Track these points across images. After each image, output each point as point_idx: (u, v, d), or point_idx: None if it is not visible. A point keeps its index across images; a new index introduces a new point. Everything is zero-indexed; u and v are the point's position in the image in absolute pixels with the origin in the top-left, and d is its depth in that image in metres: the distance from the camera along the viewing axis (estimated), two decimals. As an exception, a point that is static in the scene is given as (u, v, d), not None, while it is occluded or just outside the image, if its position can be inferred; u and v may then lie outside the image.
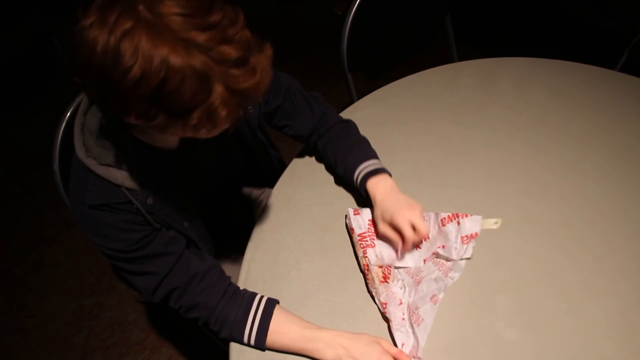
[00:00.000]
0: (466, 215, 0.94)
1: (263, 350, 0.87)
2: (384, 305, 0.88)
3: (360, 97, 1.36)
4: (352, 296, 0.93)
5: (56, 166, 1.04)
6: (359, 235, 0.97)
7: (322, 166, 1.16)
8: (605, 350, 0.82)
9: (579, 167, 1.11)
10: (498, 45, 2.81)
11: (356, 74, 1.56)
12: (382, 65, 2.41)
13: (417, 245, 0.96)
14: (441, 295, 0.89)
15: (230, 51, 0.59)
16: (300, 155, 1.20)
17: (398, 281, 0.92)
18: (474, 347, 0.84)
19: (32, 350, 1.87)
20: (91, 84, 0.60)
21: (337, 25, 1.47)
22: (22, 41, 2.58)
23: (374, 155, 1.06)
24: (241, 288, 0.93)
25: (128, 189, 0.78)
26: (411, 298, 0.88)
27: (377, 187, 0.99)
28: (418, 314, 0.85)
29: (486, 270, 0.95)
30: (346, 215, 1.04)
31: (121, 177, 0.77)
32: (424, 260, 0.96)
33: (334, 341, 0.83)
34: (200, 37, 0.57)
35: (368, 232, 0.98)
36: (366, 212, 0.99)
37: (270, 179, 1.23)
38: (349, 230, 1.01)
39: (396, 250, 0.94)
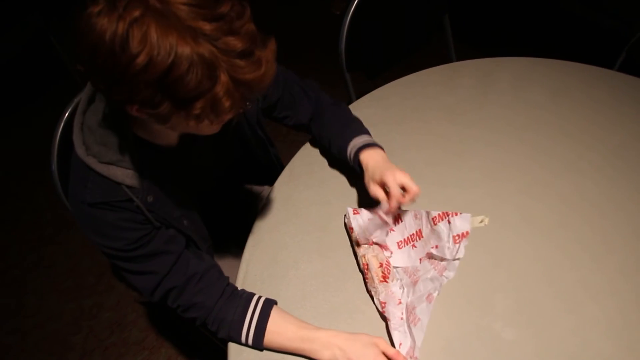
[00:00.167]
0: (456, 214, 0.92)
1: (261, 350, 0.87)
2: (383, 305, 0.87)
3: (358, 97, 1.36)
4: (351, 296, 0.93)
5: (55, 166, 1.04)
6: (358, 234, 0.97)
7: (320, 166, 1.16)
8: (604, 350, 0.82)
9: (578, 167, 1.11)
10: (496, 45, 2.81)
11: (354, 74, 1.56)
12: (381, 65, 2.41)
13: (412, 244, 0.96)
14: (436, 294, 0.89)
15: (236, 43, 0.60)
16: (299, 155, 1.20)
17: (397, 281, 0.92)
18: (472, 347, 0.84)
19: (31, 350, 1.87)
20: (97, 71, 0.60)
21: (335, 25, 1.47)
22: (21, 41, 2.58)
23: (366, 132, 1.08)
24: (239, 288, 0.93)
25: (128, 187, 0.78)
26: (409, 298, 0.88)
27: (370, 157, 1.01)
28: (415, 313, 0.85)
29: (484, 269, 0.95)
30: (345, 215, 1.04)
31: (121, 174, 0.77)
32: (420, 260, 0.95)
33: (331, 341, 0.83)
34: (207, 27, 0.58)
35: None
36: (365, 212, 1.00)
37: (269, 177, 1.24)
38: (348, 230, 1.01)
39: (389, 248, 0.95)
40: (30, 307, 2.00)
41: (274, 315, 0.86)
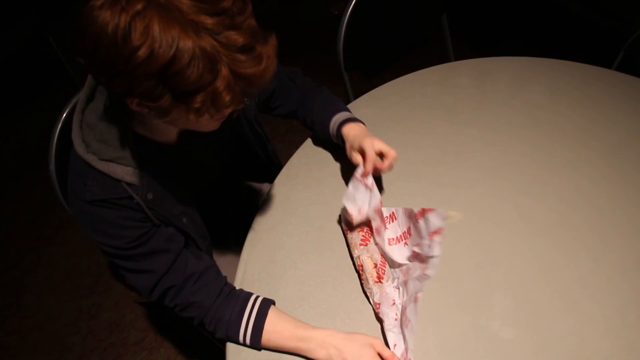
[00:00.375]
0: (431, 210, 0.88)
1: (259, 349, 0.87)
2: (378, 306, 0.87)
3: (356, 96, 1.36)
4: (349, 296, 0.93)
5: (53, 166, 1.04)
6: (351, 212, 0.96)
7: (318, 166, 1.16)
8: (602, 349, 0.82)
9: (576, 166, 1.11)
10: (494, 44, 2.81)
11: (353, 74, 1.57)
12: (379, 64, 2.41)
13: (405, 242, 0.95)
14: (420, 294, 0.87)
15: (237, 37, 0.60)
16: (297, 154, 1.20)
17: (393, 280, 0.92)
18: (470, 346, 0.84)
19: (30, 350, 1.87)
20: (98, 64, 0.60)
21: (334, 25, 1.47)
22: (19, 41, 2.58)
23: (346, 109, 1.13)
24: (237, 288, 0.93)
25: (128, 184, 0.78)
26: (404, 298, 0.88)
27: (351, 129, 1.06)
28: (406, 314, 0.84)
29: (483, 268, 0.95)
30: (340, 215, 1.04)
31: (121, 171, 0.77)
32: (410, 258, 0.94)
33: (326, 341, 0.82)
34: (209, 21, 0.58)
35: (362, 231, 0.98)
36: (349, 186, 0.98)
37: (269, 174, 1.25)
38: (344, 231, 1.01)
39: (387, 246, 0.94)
40: (29, 308, 2.00)
41: (272, 315, 0.86)
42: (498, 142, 1.18)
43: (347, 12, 1.43)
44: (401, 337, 0.84)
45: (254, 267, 0.99)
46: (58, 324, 1.94)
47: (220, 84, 0.61)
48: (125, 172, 0.77)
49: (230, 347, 0.88)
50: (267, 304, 0.88)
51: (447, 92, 1.32)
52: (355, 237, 0.97)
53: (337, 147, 1.19)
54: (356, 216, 0.96)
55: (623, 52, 1.58)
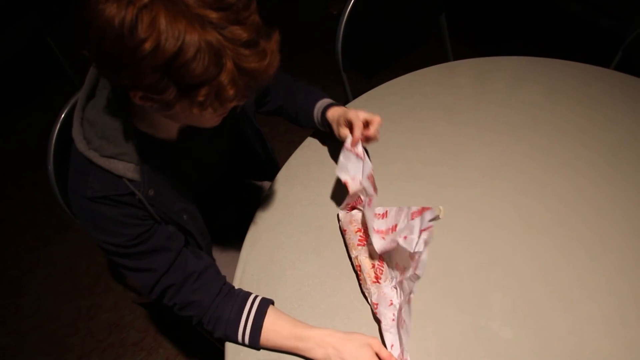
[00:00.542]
0: (429, 208, 0.85)
1: (258, 349, 0.86)
2: (375, 306, 0.87)
3: (355, 96, 1.36)
4: (348, 296, 0.93)
5: (51, 167, 1.04)
6: (354, 229, 0.96)
7: (317, 166, 1.16)
8: (602, 348, 0.82)
9: (575, 165, 1.11)
10: (493, 44, 2.81)
11: (351, 74, 1.56)
12: (378, 64, 2.41)
13: (382, 237, 0.93)
14: (412, 296, 0.87)
15: (242, 32, 0.61)
16: (296, 154, 1.20)
17: (391, 281, 0.91)
18: (470, 346, 0.84)
19: (29, 351, 1.86)
20: (104, 56, 0.60)
21: (332, 25, 1.47)
22: (18, 42, 2.57)
23: (326, 96, 1.17)
24: (236, 288, 0.93)
25: (130, 180, 0.78)
26: (401, 298, 0.88)
27: (334, 112, 1.11)
28: (401, 315, 0.84)
29: (481, 268, 0.95)
30: (338, 215, 1.04)
31: (123, 168, 0.77)
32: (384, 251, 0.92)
33: (324, 340, 0.82)
34: (214, 15, 0.59)
35: (360, 232, 0.98)
36: (340, 158, 0.99)
37: (269, 172, 1.25)
38: (342, 232, 1.01)
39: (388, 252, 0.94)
40: (28, 309, 2.00)
41: (270, 314, 0.86)
42: (497, 141, 1.18)
43: (345, 12, 1.43)
44: (398, 338, 0.83)
45: (253, 267, 0.99)
46: (57, 324, 1.93)
47: (224, 77, 0.61)
48: (127, 168, 0.78)
49: (229, 347, 0.88)
50: (266, 303, 0.88)
51: (446, 92, 1.32)
52: (353, 237, 0.97)
53: (336, 147, 1.19)
54: (351, 184, 0.97)
55: (621, 52, 1.58)
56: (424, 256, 0.82)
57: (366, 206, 0.95)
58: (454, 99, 1.30)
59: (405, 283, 0.87)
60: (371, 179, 0.95)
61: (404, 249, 0.87)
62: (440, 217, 0.82)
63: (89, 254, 2.14)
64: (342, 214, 1.01)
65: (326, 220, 1.05)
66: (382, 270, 0.92)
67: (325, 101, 1.14)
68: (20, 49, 2.54)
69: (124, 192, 0.78)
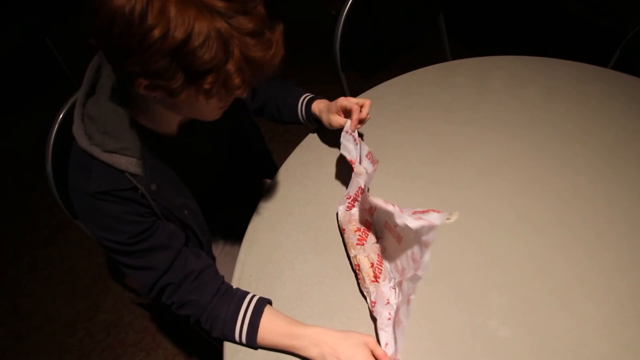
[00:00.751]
0: (438, 211, 0.83)
1: (255, 348, 0.86)
2: (373, 304, 0.87)
3: (353, 96, 1.35)
4: (346, 295, 0.93)
5: (49, 167, 1.04)
6: (353, 228, 0.97)
7: (315, 166, 1.16)
8: (600, 347, 0.83)
9: (573, 164, 1.11)
10: (491, 43, 2.81)
11: (350, 73, 1.57)
12: (376, 64, 2.41)
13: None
14: (413, 297, 0.87)
15: (248, 22, 0.62)
16: (294, 154, 1.20)
17: (390, 280, 0.91)
18: (468, 345, 0.84)
19: (28, 352, 1.86)
20: (112, 42, 0.61)
21: (331, 25, 1.47)
22: (16, 42, 2.57)
23: (306, 91, 1.22)
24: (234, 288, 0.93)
25: (132, 175, 0.79)
26: (399, 298, 0.88)
27: (319, 104, 1.16)
28: (398, 315, 0.84)
29: (479, 267, 0.95)
30: (337, 213, 1.04)
31: (125, 162, 0.77)
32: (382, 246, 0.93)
33: (319, 339, 0.82)
34: (221, 5, 0.60)
35: (359, 231, 0.98)
36: (342, 141, 1.04)
37: (268, 170, 1.27)
38: (341, 231, 1.01)
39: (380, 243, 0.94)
40: (27, 310, 2.00)
41: (267, 313, 0.86)
42: (495, 141, 1.18)
43: (343, 12, 1.43)
44: (393, 337, 0.83)
45: (251, 267, 0.99)
46: (56, 325, 1.93)
47: (231, 66, 0.63)
48: (129, 162, 0.78)
49: (228, 347, 0.88)
50: (263, 302, 0.88)
51: (444, 92, 1.32)
52: (352, 236, 0.97)
53: (334, 147, 1.19)
54: (356, 164, 1.02)
55: (619, 51, 1.58)
56: (426, 257, 0.82)
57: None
58: (452, 98, 1.30)
59: (405, 284, 0.87)
60: (369, 155, 1.02)
61: (403, 248, 0.87)
62: (450, 220, 0.80)
63: (88, 255, 2.14)
64: (341, 212, 1.01)
65: (325, 220, 1.06)
66: (381, 270, 0.92)
67: (308, 95, 1.20)
68: (18, 49, 2.54)
69: (126, 187, 0.78)
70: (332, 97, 1.17)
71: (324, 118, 1.13)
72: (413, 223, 0.82)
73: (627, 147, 1.14)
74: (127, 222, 0.80)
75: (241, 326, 0.85)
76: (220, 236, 1.29)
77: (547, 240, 0.98)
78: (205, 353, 1.79)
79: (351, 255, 0.96)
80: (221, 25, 0.60)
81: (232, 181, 1.26)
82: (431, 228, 0.79)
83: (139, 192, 0.80)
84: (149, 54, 0.59)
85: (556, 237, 0.98)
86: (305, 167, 1.17)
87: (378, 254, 0.96)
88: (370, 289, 0.89)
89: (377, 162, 1.04)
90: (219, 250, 1.26)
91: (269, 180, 1.17)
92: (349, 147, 1.03)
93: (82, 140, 0.76)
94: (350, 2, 1.41)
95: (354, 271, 0.95)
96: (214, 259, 1.13)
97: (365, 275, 0.91)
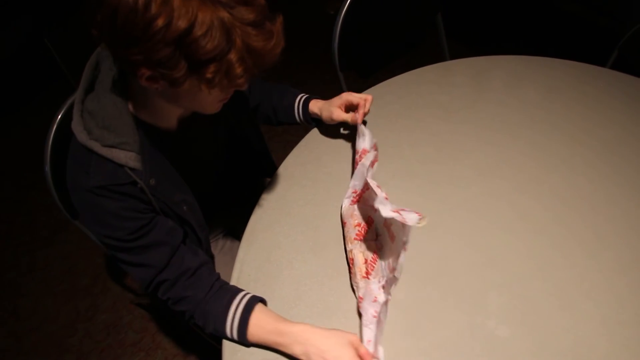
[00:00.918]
0: (420, 214, 0.79)
1: (247, 346, 0.86)
2: (360, 300, 0.87)
3: (352, 96, 1.36)
4: (345, 295, 0.93)
5: (48, 168, 1.03)
6: (354, 223, 0.97)
7: (314, 165, 1.16)
8: (599, 347, 0.82)
9: (572, 164, 1.11)
10: (490, 43, 2.81)
11: (348, 73, 1.57)
12: (374, 64, 2.41)
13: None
14: (389, 297, 0.87)
15: (249, 13, 0.64)
16: (293, 154, 1.20)
17: (381, 279, 0.91)
18: (466, 345, 0.84)
19: (27, 353, 1.86)
20: (116, 32, 0.61)
21: (329, 25, 1.47)
22: (15, 43, 2.57)
23: (301, 92, 1.24)
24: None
25: (131, 169, 0.79)
26: (386, 297, 0.87)
27: (317, 102, 1.19)
28: (379, 315, 0.84)
29: (478, 267, 0.95)
30: (342, 206, 1.04)
31: (124, 157, 0.78)
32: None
33: (304, 336, 0.81)
34: None
35: (358, 226, 0.98)
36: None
37: (267, 168, 1.27)
38: (342, 224, 1.01)
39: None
40: (26, 310, 1.99)
41: (258, 309, 0.85)
42: (494, 140, 1.18)
43: (341, 11, 1.43)
44: (375, 334, 0.83)
45: (250, 267, 0.99)
46: (55, 326, 1.93)
47: (234, 55, 0.64)
48: (128, 157, 0.78)
49: (227, 347, 0.88)
50: (255, 299, 0.87)
51: (442, 91, 1.32)
52: (351, 231, 0.97)
53: (333, 147, 1.19)
54: (368, 152, 1.07)
55: (617, 51, 1.58)
56: (401, 259, 0.83)
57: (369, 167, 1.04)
58: (451, 98, 1.30)
59: (386, 285, 0.87)
60: (374, 146, 1.08)
61: (395, 248, 0.87)
62: (420, 225, 0.78)
63: (87, 255, 2.14)
64: (345, 206, 1.01)
65: (323, 220, 1.05)
66: (374, 267, 0.92)
67: (304, 95, 1.22)
68: (17, 49, 2.54)
69: (126, 181, 0.79)
70: (330, 97, 1.17)
71: (325, 114, 1.16)
72: (386, 212, 0.80)
73: (625, 146, 1.14)
74: (126, 218, 0.80)
75: (232, 321, 0.85)
76: (220, 234, 1.29)
77: (546, 239, 0.98)
78: (204, 353, 1.78)
79: (347, 249, 0.96)
80: (224, 15, 0.61)
81: (231, 179, 1.26)
82: (404, 226, 0.79)
83: (138, 187, 0.80)
84: (153, 42, 0.60)
85: (555, 236, 0.98)
86: (303, 167, 1.17)
87: (374, 252, 0.95)
88: (360, 284, 0.89)
89: (377, 149, 1.09)
90: (218, 248, 1.26)
91: (268, 179, 1.17)
92: (361, 138, 1.08)
93: (81, 135, 0.76)
94: (348, 2, 1.41)
95: (348, 265, 0.95)
96: (212, 257, 1.13)
97: (357, 270, 0.91)
